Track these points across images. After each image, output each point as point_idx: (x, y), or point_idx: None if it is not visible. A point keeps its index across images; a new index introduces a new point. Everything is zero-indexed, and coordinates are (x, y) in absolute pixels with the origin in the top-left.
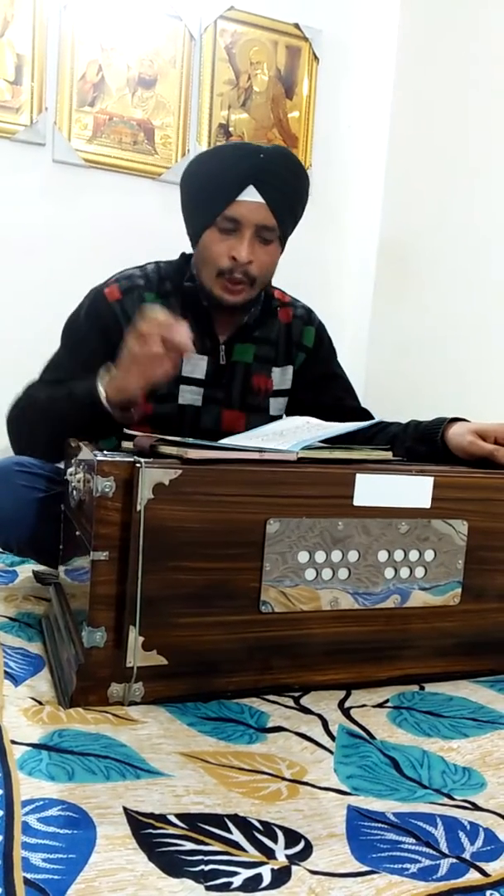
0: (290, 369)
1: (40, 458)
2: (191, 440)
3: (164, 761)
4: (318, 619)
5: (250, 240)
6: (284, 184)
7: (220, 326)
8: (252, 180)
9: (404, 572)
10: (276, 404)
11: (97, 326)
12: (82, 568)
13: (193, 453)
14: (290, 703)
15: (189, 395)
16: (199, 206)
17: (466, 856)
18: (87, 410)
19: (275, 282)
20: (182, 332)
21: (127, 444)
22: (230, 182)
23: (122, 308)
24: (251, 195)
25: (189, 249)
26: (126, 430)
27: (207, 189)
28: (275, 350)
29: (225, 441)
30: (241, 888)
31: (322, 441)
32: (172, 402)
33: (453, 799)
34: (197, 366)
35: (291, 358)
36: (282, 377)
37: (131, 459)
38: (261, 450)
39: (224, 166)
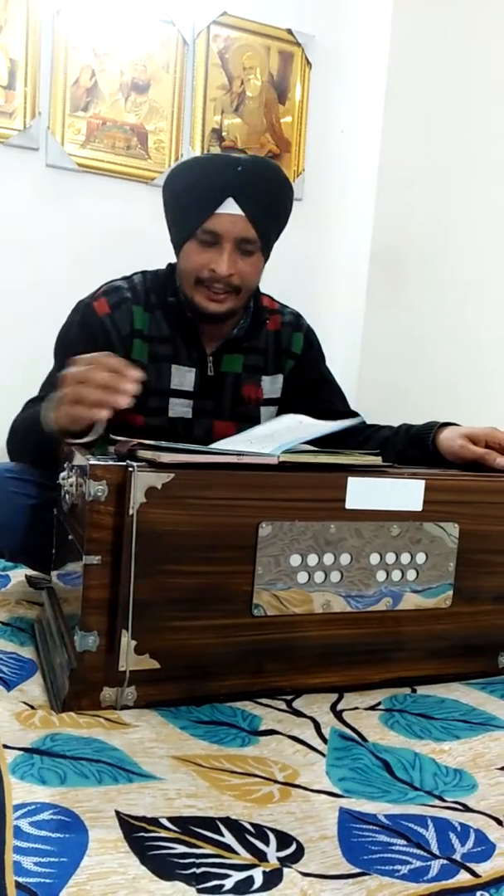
0: (279, 378)
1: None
2: (164, 443)
3: (156, 765)
4: (311, 622)
5: (230, 253)
6: (264, 195)
7: (207, 338)
8: (231, 192)
9: (396, 575)
10: (266, 413)
11: (90, 340)
12: (75, 572)
13: (166, 457)
14: (283, 706)
15: (179, 408)
16: (179, 219)
17: (457, 857)
18: (40, 437)
19: (265, 287)
20: (133, 377)
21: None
22: (208, 195)
23: (112, 322)
24: (230, 208)
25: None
26: (113, 437)
27: (186, 202)
28: (264, 359)
29: (214, 445)
30: (233, 891)
31: (310, 443)
32: (162, 415)
33: (444, 801)
34: (185, 378)
35: (281, 366)
36: (272, 386)
37: (124, 463)
38: (239, 453)
39: (202, 179)
